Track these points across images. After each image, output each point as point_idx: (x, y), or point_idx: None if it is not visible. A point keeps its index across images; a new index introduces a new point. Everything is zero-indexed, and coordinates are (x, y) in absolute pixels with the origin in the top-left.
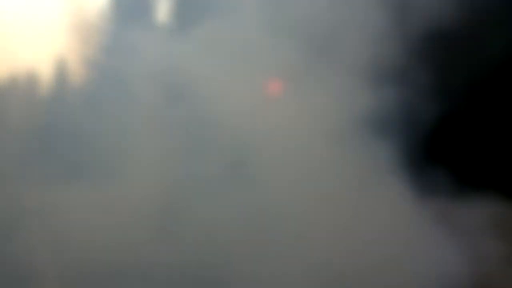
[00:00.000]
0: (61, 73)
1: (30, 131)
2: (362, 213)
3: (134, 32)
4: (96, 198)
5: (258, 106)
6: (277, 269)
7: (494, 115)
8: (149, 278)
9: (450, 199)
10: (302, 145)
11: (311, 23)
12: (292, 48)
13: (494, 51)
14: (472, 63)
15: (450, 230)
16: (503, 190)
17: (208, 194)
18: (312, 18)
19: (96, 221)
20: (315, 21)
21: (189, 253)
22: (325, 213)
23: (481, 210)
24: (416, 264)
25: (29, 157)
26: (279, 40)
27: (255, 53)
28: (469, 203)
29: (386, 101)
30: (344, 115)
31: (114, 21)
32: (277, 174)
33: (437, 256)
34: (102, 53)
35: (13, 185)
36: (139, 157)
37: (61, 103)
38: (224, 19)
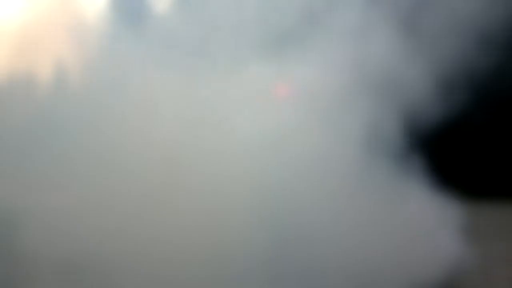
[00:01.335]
0: (59, 75)
1: (29, 132)
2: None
3: (132, 34)
4: (93, 198)
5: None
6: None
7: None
8: None
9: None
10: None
11: None
12: None
13: None
14: None
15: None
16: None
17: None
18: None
19: (92, 221)
20: None
21: None
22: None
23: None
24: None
25: (28, 157)
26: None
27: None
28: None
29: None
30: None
31: (113, 23)
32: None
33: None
34: (100, 55)
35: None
36: (139, 157)
37: (60, 105)
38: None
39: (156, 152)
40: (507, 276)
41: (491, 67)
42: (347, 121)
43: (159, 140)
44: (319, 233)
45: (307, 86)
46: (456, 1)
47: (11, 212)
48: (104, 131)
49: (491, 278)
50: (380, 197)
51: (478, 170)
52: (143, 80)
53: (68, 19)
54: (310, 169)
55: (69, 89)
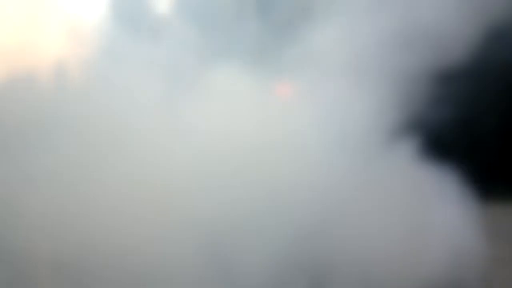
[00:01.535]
0: (59, 76)
1: (29, 132)
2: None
3: (133, 34)
4: (95, 199)
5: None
6: None
7: None
8: None
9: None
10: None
11: None
12: None
13: None
14: None
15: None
16: None
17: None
18: None
19: (96, 220)
20: None
21: None
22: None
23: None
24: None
25: (28, 158)
26: None
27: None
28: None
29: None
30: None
31: (113, 24)
32: None
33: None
34: (100, 55)
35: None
36: (139, 157)
37: (60, 105)
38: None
39: (153, 152)
40: None
41: None
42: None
43: (157, 139)
44: (326, 230)
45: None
46: None
47: (10, 211)
48: (102, 131)
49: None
50: (392, 194)
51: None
52: (141, 81)
53: (68, 20)
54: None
55: (69, 89)
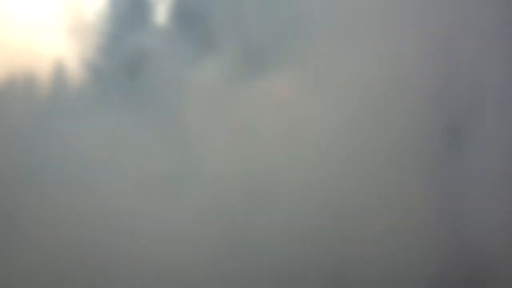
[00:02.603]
0: (59, 74)
1: (28, 131)
2: None
3: (132, 33)
4: (94, 198)
5: None
6: None
7: None
8: None
9: None
10: None
11: None
12: None
13: None
14: None
15: None
16: None
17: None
18: None
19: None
20: None
21: None
22: None
23: None
24: None
25: (28, 158)
26: None
27: None
28: None
29: None
30: None
31: (112, 23)
32: None
33: None
34: (99, 54)
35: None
36: (139, 157)
37: (59, 104)
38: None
39: (156, 152)
40: None
41: None
42: None
43: (159, 140)
44: None
45: None
46: None
47: (10, 211)
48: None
49: None
50: None
51: None
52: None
53: (68, 19)
54: None
55: (69, 88)
